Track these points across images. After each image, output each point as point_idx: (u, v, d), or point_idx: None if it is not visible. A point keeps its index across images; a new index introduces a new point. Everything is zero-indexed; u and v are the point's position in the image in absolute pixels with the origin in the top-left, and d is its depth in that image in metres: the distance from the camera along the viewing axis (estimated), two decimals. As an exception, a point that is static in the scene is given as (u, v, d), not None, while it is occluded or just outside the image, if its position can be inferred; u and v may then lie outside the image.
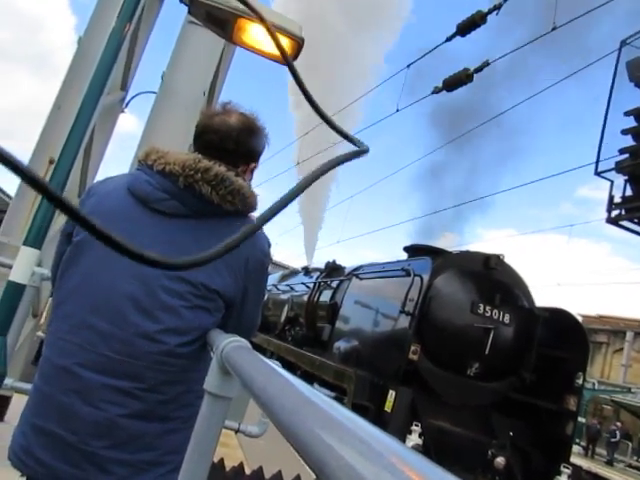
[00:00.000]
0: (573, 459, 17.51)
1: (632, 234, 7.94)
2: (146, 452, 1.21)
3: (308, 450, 0.48)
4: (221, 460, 4.07)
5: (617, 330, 32.74)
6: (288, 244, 37.07)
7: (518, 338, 5.86)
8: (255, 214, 1.47)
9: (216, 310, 1.29)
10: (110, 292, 1.22)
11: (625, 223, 7.59)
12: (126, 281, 1.21)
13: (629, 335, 30.53)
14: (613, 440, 20.64)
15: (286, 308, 10.37)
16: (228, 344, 0.93)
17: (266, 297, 12.04)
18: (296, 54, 2.81)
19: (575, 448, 20.74)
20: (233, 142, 1.42)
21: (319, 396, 0.54)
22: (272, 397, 0.63)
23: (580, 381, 5.62)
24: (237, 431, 2.96)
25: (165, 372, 1.21)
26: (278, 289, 11.87)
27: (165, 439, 1.23)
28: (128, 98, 5.27)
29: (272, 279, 13.35)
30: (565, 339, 5.94)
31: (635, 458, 22.45)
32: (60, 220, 2.84)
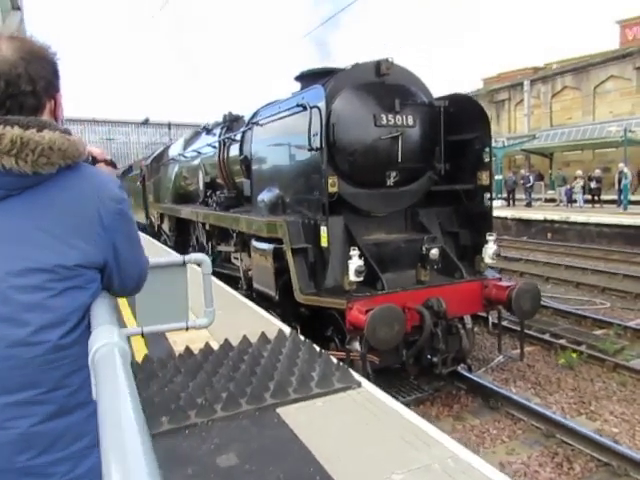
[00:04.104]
0: (498, 212, 19.57)
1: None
2: (78, 442, 1.17)
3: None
4: (187, 348, 4.24)
5: (515, 83, 34.30)
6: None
7: (425, 135, 5.98)
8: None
9: (89, 282, 1.15)
10: None
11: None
12: None
13: (526, 84, 32.10)
14: (528, 185, 22.98)
15: (201, 174, 10.05)
16: (97, 351, 0.85)
17: (177, 167, 11.61)
18: None
19: (498, 202, 23.11)
20: (27, 79, 1.12)
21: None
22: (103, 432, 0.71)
23: (487, 157, 5.94)
24: (187, 328, 3.02)
25: (59, 367, 1.11)
26: (186, 157, 11.34)
27: (92, 421, 1.19)
28: None
29: (176, 147, 12.70)
30: (467, 121, 6.11)
31: (548, 192, 25.34)
32: None
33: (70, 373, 1.13)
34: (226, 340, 4.37)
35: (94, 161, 1.37)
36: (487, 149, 6.00)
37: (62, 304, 1.10)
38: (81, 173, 1.17)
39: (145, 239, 13.31)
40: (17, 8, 3.01)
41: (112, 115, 38.90)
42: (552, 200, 23.58)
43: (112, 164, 1.44)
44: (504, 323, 6.43)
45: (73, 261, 1.11)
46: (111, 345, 0.89)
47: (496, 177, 23.52)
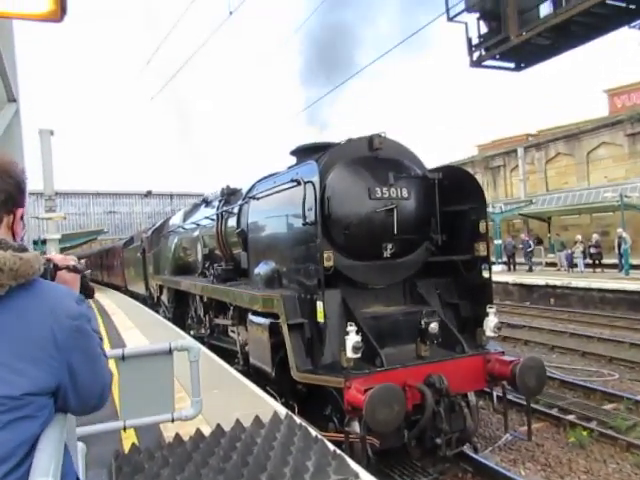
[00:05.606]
0: (499, 277, 19.36)
1: (499, 70, 8.12)
2: None
3: None
4: (177, 435, 4.03)
5: (510, 150, 35.17)
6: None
7: (420, 207, 6.01)
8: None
9: (39, 410, 1.05)
10: None
11: (489, 62, 7.73)
12: None
13: (520, 151, 32.88)
14: (528, 250, 22.98)
15: (199, 246, 10.08)
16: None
17: (177, 239, 11.67)
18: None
19: (499, 267, 23.07)
20: None
21: None
22: None
23: (483, 229, 5.93)
24: (172, 420, 2.87)
25: None
26: (185, 228, 11.43)
27: None
28: None
29: (176, 219, 12.82)
30: (461, 192, 6.16)
31: (548, 255, 25.29)
32: None
33: None
34: (218, 425, 4.16)
35: (55, 269, 1.31)
36: (483, 221, 6.00)
37: (6, 438, 1.00)
38: (35, 291, 1.11)
39: (155, 319, 13.15)
40: (13, 100, 3.04)
41: (115, 187, 39.72)
42: (553, 264, 23.48)
43: (75, 270, 1.38)
44: (509, 396, 6.17)
45: (20, 390, 1.02)
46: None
47: (495, 241, 23.60)
